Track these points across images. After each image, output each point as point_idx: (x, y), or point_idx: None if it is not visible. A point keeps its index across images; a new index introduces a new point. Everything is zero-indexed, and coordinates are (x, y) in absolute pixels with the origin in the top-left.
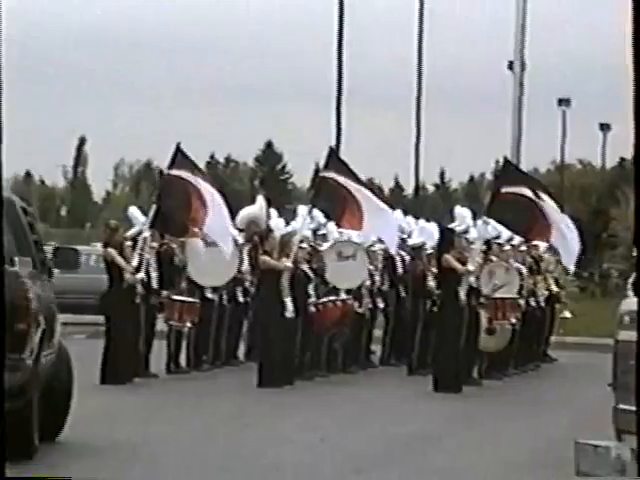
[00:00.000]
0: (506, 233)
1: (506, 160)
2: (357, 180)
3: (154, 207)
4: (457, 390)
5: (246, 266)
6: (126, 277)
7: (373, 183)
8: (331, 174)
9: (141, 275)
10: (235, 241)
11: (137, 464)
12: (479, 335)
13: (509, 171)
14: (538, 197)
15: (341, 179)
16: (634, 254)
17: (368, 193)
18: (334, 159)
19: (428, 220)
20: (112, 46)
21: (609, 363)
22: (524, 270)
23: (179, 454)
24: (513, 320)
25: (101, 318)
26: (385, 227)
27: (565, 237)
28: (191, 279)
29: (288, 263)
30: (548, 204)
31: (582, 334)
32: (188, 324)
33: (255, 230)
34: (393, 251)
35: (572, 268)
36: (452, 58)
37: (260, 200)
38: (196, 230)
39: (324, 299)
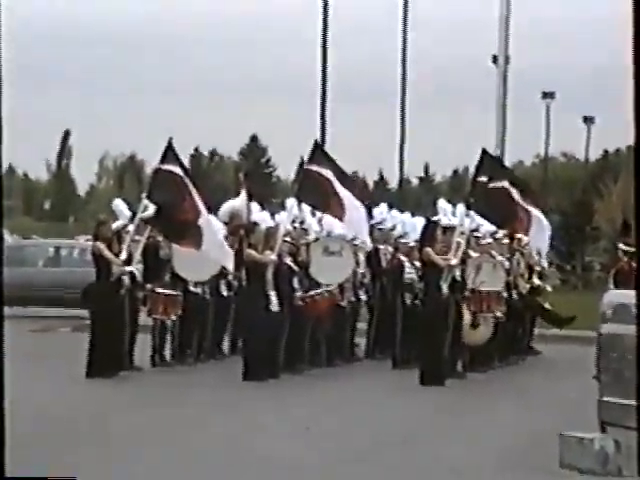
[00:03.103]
0: (489, 226)
1: (483, 151)
2: (339, 176)
3: (145, 203)
4: (441, 383)
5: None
6: (114, 270)
7: (357, 176)
8: (315, 167)
9: (130, 268)
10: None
11: (122, 456)
12: (463, 328)
13: (486, 161)
14: (516, 189)
15: (325, 172)
16: (619, 247)
17: (347, 192)
18: (318, 152)
19: (413, 214)
20: (96, 39)
21: (592, 356)
22: (507, 264)
23: (164, 446)
24: (498, 313)
25: (85, 311)
26: (361, 226)
27: (539, 231)
28: (175, 273)
29: (272, 256)
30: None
31: (565, 327)
32: (172, 317)
33: (238, 223)
34: (368, 248)
35: (543, 259)
36: (436, 52)
37: (243, 193)
38: (191, 240)
39: (310, 292)
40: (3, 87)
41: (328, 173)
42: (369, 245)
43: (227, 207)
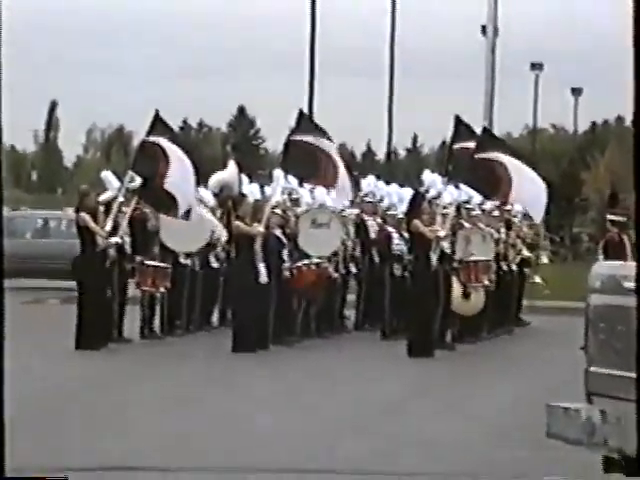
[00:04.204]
0: (478, 197)
1: (457, 118)
2: (329, 139)
3: (131, 174)
4: (429, 355)
5: (219, 231)
6: (99, 242)
7: (345, 148)
8: (300, 136)
9: (116, 239)
10: (209, 206)
11: (112, 430)
12: (451, 300)
13: (461, 128)
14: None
15: (312, 139)
16: (607, 218)
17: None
18: (304, 121)
19: (402, 185)
20: (85, 12)
21: (581, 327)
22: (496, 235)
23: (155, 419)
24: (486, 282)
25: (74, 283)
26: (350, 188)
27: (529, 191)
28: (164, 244)
29: (260, 228)
30: (509, 160)
31: (553, 298)
32: (161, 289)
33: (228, 195)
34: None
35: (538, 221)
36: (424, 24)
37: (232, 165)
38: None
39: (298, 263)
40: None
41: (315, 139)
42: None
43: (216, 178)
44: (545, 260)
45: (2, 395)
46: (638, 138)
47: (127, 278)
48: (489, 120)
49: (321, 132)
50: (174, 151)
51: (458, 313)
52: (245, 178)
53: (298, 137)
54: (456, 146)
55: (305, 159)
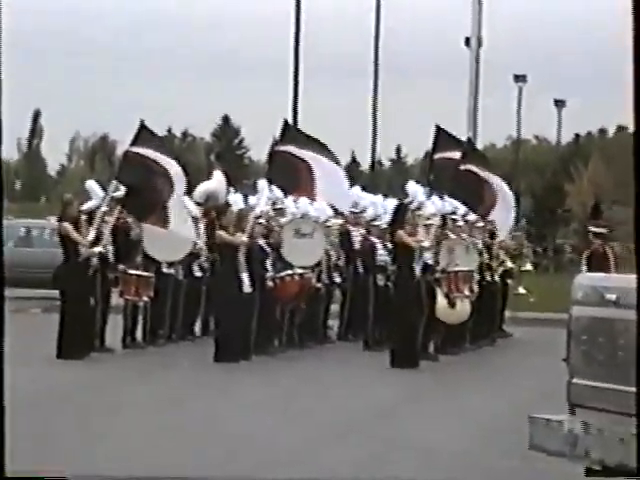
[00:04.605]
0: (462, 208)
1: (437, 128)
2: (311, 146)
3: (115, 183)
4: (414, 365)
5: (203, 241)
6: (81, 251)
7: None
8: (284, 147)
9: (99, 249)
10: (192, 216)
11: (95, 438)
12: (435, 310)
13: (441, 138)
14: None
15: (294, 150)
16: (590, 230)
17: (319, 156)
18: (288, 132)
19: (386, 196)
20: (69, 18)
21: (563, 338)
22: (480, 246)
23: (137, 427)
24: (467, 292)
25: (56, 292)
26: (335, 188)
27: (503, 208)
28: (147, 254)
29: (243, 238)
30: (489, 175)
31: (536, 309)
32: (144, 298)
33: (212, 204)
34: (345, 211)
35: (503, 236)
36: (409, 34)
37: (218, 175)
38: (158, 217)
39: (282, 273)
40: None
41: (297, 149)
42: (346, 210)
43: (203, 188)
44: (529, 267)
45: (2, 396)
46: (638, 138)
47: (110, 287)
48: (473, 131)
49: (306, 141)
50: (167, 162)
51: (442, 323)
52: (229, 188)
53: (282, 148)
54: (437, 156)
55: (288, 170)
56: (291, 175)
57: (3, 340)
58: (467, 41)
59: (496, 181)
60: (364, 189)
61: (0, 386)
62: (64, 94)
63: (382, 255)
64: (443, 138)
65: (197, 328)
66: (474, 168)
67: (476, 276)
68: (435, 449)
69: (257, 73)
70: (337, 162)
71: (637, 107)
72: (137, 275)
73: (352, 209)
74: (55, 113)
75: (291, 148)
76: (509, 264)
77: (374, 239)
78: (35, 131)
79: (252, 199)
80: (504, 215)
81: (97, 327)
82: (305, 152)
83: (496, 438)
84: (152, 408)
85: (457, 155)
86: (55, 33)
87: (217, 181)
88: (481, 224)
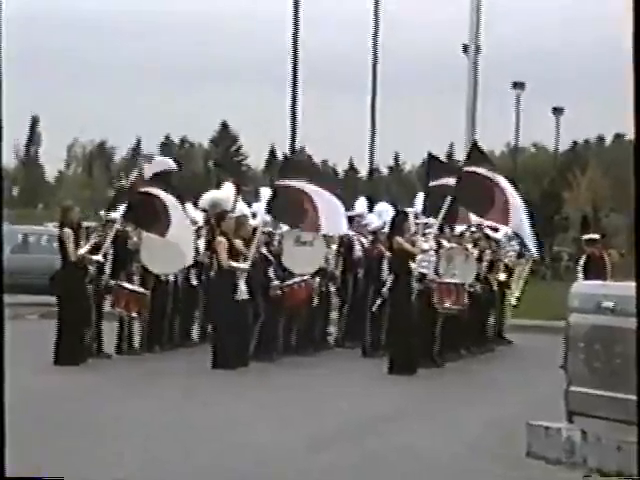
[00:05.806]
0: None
1: (430, 155)
2: (312, 178)
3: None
4: (412, 372)
5: (202, 248)
6: (79, 257)
7: (327, 165)
8: (285, 182)
9: (97, 257)
10: (194, 224)
11: (91, 445)
12: (433, 317)
13: (435, 165)
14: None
15: (296, 184)
16: (583, 238)
17: (321, 190)
18: (288, 166)
19: (394, 205)
20: (67, 26)
21: (560, 345)
22: (476, 253)
23: (134, 434)
24: (447, 304)
25: (53, 299)
26: (335, 217)
27: (523, 221)
28: (143, 266)
29: (251, 250)
30: (505, 185)
31: (533, 317)
32: (133, 314)
33: (214, 212)
34: (343, 233)
35: (535, 253)
36: (407, 41)
37: (229, 187)
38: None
39: (290, 281)
40: None
41: (300, 183)
42: (344, 231)
43: (210, 196)
44: (502, 277)
45: (2, 398)
46: (638, 140)
47: (103, 294)
48: (471, 138)
49: (307, 173)
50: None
51: (440, 330)
52: (240, 200)
53: (281, 182)
54: (432, 184)
55: (292, 205)
56: (296, 210)
57: (3, 342)
58: (465, 48)
59: (506, 184)
60: (370, 200)
61: (0, 386)
62: (62, 101)
63: (382, 263)
64: (436, 165)
65: (194, 334)
66: (482, 171)
67: (464, 289)
68: (431, 457)
69: (255, 80)
70: (335, 188)
71: (637, 112)
72: (130, 290)
73: (362, 220)
74: (53, 120)
75: (294, 182)
76: (503, 275)
77: (382, 247)
78: (33, 138)
79: (255, 206)
80: (518, 217)
81: (94, 333)
82: (307, 185)
83: (493, 446)
84: (148, 414)
85: (451, 182)
86: (53, 39)
87: (227, 192)
88: (479, 234)
